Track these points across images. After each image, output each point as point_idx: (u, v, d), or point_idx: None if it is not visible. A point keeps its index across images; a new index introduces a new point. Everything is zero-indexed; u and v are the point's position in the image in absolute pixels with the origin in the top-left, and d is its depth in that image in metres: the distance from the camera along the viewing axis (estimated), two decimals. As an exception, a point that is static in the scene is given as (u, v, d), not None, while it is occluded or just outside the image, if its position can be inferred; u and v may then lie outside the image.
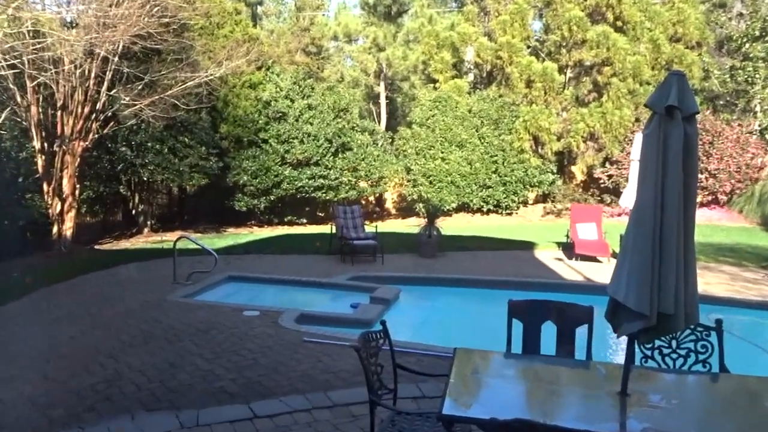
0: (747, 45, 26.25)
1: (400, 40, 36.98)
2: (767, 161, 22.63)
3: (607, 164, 23.84)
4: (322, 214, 27.49)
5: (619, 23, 24.57)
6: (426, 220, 14.02)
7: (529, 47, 28.21)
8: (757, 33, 25.85)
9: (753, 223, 20.69)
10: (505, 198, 24.49)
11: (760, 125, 25.27)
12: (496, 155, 24.61)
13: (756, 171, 21.93)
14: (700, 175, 21.11)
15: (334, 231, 13.59)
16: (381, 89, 37.81)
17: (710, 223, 20.85)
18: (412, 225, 14.71)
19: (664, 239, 3.61)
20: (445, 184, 24.69)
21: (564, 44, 25.03)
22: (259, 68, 24.11)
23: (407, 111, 40.28)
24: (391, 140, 28.71)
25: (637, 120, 23.29)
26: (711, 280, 10.99)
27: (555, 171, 25.06)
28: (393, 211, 30.16)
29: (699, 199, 21.64)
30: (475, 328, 8.40)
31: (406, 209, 28.87)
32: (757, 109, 26.04)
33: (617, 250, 13.11)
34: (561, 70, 25.53)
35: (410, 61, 35.19)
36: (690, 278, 3.64)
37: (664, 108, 3.67)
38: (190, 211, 25.85)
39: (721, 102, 28.24)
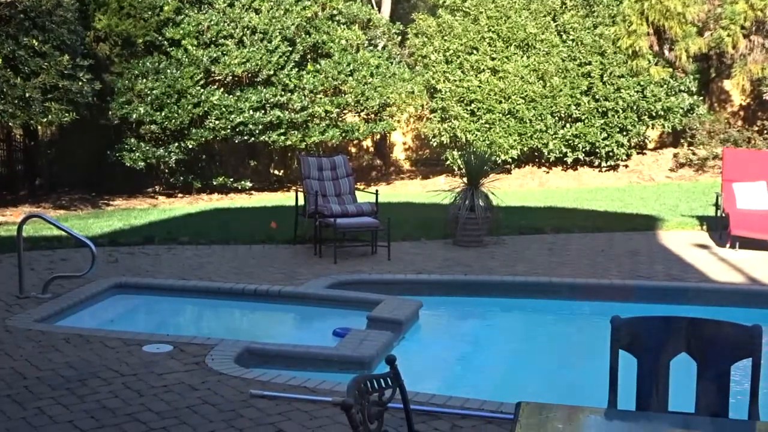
0: None
1: None
2: None
3: (788, 76, 23.81)
4: (280, 173, 27.55)
5: None
6: (465, 180, 14.02)
7: None
8: None
9: None
10: (605, 140, 24.56)
11: None
12: (590, 63, 24.60)
13: None
14: None
15: (301, 202, 13.62)
16: (382, -53, 37.49)
17: None
18: (440, 190, 14.72)
19: None
20: (499, 117, 24.74)
21: None
22: None
23: (429, -14, 40.06)
24: (400, 39, 28.63)
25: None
26: None
27: (695, 90, 25.02)
28: (406, 166, 30.23)
29: None
30: (552, 368, 8.45)
31: (429, 162, 28.88)
32: None
33: (806, 229, 13.13)
34: None
35: None
36: None
37: None
38: (46, 170, 25.91)
39: None
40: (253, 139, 23.63)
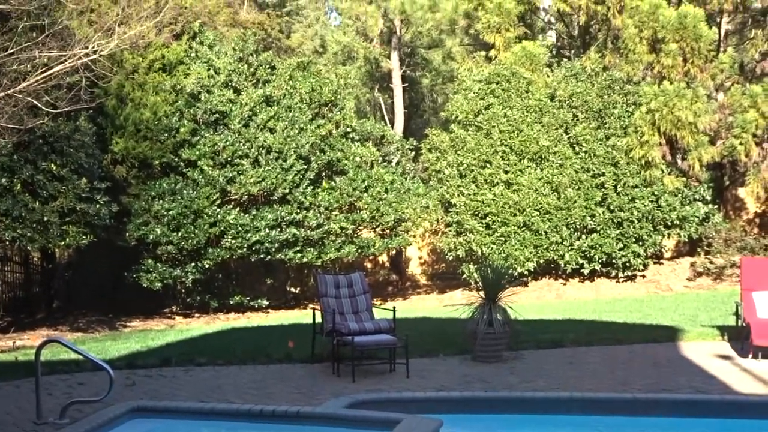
0: None
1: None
2: None
3: (802, 183, 23.86)
4: (297, 290, 27.53)
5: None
6: (482, 294, 13.97)
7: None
8: None
9: None
10: (621, 250, 24.54)
11: None
12: (603, 174, 24.74)
13: None
14: None
15: (318, 320, 13.58)
16: (393, 65, 38.23)
17: None
18: (457, 304, 14.68)
19: None
20: (514, 230, 24.79)
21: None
22: (177, 36, 24.52)
23: (441, 102, 40.62)
24: (414, 154, 28.91)
25: None
26: None
27: (709, 198, 25.08)
28: (423, 281, 30.21)
29: None
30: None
31: (445, 276, 28.86)
32: None
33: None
34: (711, 18, 25.74)
35: (443, 14, 35.67)
36: None
37: None
38: (64, 292, 25.98)
39: None
40: (269, 257, 23.69)
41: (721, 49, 25.84)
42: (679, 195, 24.53)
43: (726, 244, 24.19)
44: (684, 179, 24.61)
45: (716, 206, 25.64)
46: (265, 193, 23.76)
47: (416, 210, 25.31)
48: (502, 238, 24.77)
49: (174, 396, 11.23)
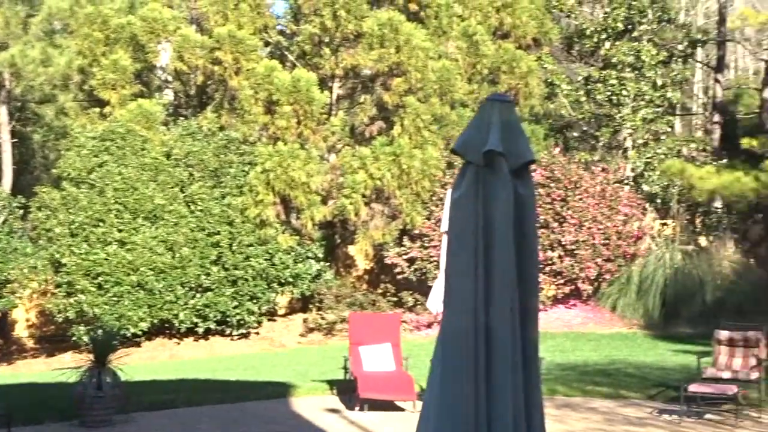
0: (607, 44, 29.62)
1: (35, 31, 36.38)
2: (646, 226, 25.30)
3: (406, 241, 25.12)
4: None
5: (413, 6, 26.52)
6: (92, 357, 13.50)
7: (268, 44, 29.18)
8: (621, 26, 29.24)
9: (633, 326, 22.84)
10: (236, 308, 24.62)
11: (633, 169, 28.33)
12: (219, 232, 24.79)
13: (632, 242, 24.41)
14: (550, 253, 23.04)
15: None
16: (2, 119, 36.56)
17: (570, 330, 22.60)
18: (65, 368, 14.08)
19: (492, 363, 3.76)
20: (128, 289, 24.22)
21: (327, 40, 26.29)
22: None
23: (53, 158, 39.23)
24: (23, 212, 27.69)
25: (450, 165, 24.95)
26: (577, 426, 11.81)
27: (322, 256, 25.78)
28: (30, 344, 28.86)
29: (548, 292, 23.50)
30: None
31: (54, 339, 27.71)
32: (628, 144, 29.24)
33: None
34: (324, 83, 26.67)
35: (56, 69, 34.64)
36: (536, 423, 3.82)
37: (482, 155, 3.90)
38: None
39: (575, 134, 31.33)
40: None
41: (333, 112, 26.79)
42: (293, 253, 25.04)
43: (337, 300, 24.94)
44: (297, 238, 25.18)
45: (328, 264, 26.41)
46: None
47: (23, 271, 24.23)
48: (115, 299, 24.10)
49: None
